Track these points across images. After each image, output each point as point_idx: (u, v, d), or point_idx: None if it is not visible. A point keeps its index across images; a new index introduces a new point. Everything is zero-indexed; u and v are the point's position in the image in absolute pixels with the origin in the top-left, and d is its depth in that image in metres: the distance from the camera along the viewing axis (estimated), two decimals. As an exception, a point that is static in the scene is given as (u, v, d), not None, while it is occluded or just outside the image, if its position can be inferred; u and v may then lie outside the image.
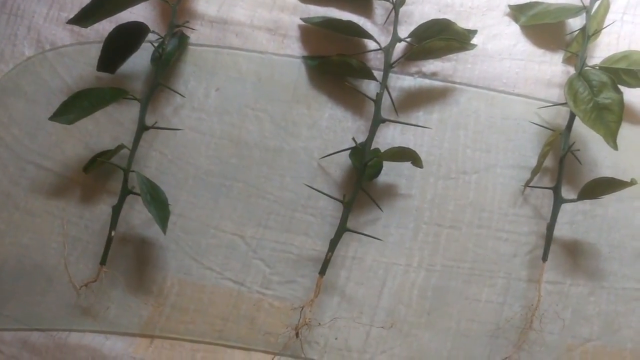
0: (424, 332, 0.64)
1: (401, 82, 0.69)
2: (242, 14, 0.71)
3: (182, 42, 0.69)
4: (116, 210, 0.63)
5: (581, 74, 0.64)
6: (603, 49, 0.70)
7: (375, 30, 0.70)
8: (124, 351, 0.63)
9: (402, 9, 0.70)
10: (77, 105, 0.63)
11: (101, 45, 0.66)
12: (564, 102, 0.64)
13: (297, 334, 0.62)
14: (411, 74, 0.70)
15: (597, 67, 0.66)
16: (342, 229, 0.63)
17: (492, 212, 0.66)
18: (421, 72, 0.70)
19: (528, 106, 0.69)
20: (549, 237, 0.64)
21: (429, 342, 0.64)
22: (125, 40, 0.66)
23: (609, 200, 0.65)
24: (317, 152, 0.68)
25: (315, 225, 0.66)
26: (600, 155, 0.67)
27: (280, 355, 0.63)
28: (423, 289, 0.65)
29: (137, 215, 0.66)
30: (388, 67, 0.67)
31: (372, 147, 0.65)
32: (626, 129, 0.66)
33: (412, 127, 0.68)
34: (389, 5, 0.70)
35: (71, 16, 0.63)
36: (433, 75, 0.70)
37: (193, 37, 0.70)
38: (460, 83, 0.69)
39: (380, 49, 0.68)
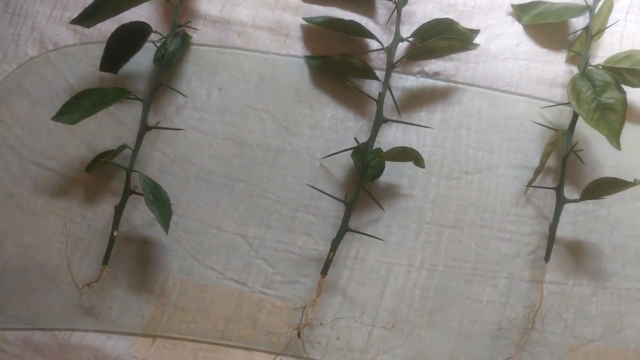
0: (426, 333, 0.64)
1: (403, 81, 0.69)
2: (244, 14, 0.71)
3: (185, 42, 0.69)
4: (118, 210, 0.64)
5: (584, 73, 0.64)
6: (606, 49, 0.70)
7: (377, 30, 0.70)
8: (126, 351, 0.63)
9: (405, 9, 0.70)
10: (79, 105, 0.63)
11: (104, 45, 0.66)
12: (567, 101, 0.64)
13: (299, 334, 0.62)
14: (413, 74, 0.70)
15: (601, 67, 0.66)
16: (344, 229, 0.63)
17: (494, 212, 0.66)
18: (423, 72, 0.70)
19: (531, 106, 0.69)
20: (551, 238, 0.64)
21: (431, 343, 0.64)
22: (127, 40, 0.66)
23: (612, 201, 0.65)
24: (319, 152, 0.68)
25: (317, 225, 0.66)
26: (603, 155, 0.67)
27: (282, 355, 0.63)
28: (425, 289, 0.65)
29: (140, 215, 0.66)
30: (390, 66, 0.67)
31: (374, 147, 0.65)
32: (629, 129, 0.66)
33: (415, 127, 0.68)
34: (392, 5, 0.70)
35: (74, 16, 0.63)
36: (435, 75, 0.70)
37: (195, 37, 0.70)
38: (462, 83, 0.69)
39: (382, 49, 0.68)
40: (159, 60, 0.68)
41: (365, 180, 0.64)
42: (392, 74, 0.68)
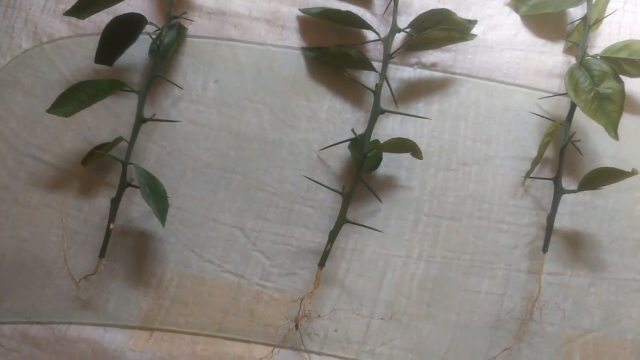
0: (424, 324, 0.64)
1: (400, 73, 0.69)
2: (240, 5, 0.70)
3: (180, 33, 0.69)
4: (115, 202, 0.63)
5: (582, 63, 0.64)
6: (604, 39, 0.70)
7: (374, 20, 0.70)
8: (124, 344, 0.63)
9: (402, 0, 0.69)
10: (74, 98, 0.63)
11: (99, 37, 0.65)
12: (565, 92, 0.63)
13: (296, 326, 0.61)
14: (411, 65, 0.69)
15: (598, 57, 0.66)
16: (341, 221, 0.63)
17: (492, 203, 0.66)
18: (421, 63, 0.69)
19: (528, 97, 0.68)
20: (549, 228, 0.64)
21: (429, 334, 0.64)
22: (122, 32, 0.66)
23: (610, 191, 0.65)
24: (317, 144, 0.67)
25: (315, 217, 0.66)
26: (601, 146, 0.67)
27: (280, 347, 0.63)
28: (423, 280, 0.65)
29: (136, 207, 0.66)
30: (387, 57, 0.67)
31: (372, 139, 0.65)
32: (627, 119, 0.66)
33: (412, 118, 0.67)
34: (388, -4, 0.69)
35: (68, 8, 0.62)
36: (433, 66, 0.69)
37: (191, 28, 0.70)
38: (460, 74, 0.69)
39: (379, 40, 0.68)
40: (154, 52, 0.67)
41: (362, 172, 0.64)
42: (389, 65, 0.68)
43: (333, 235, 0.63)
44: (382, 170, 0.67)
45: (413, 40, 0.67)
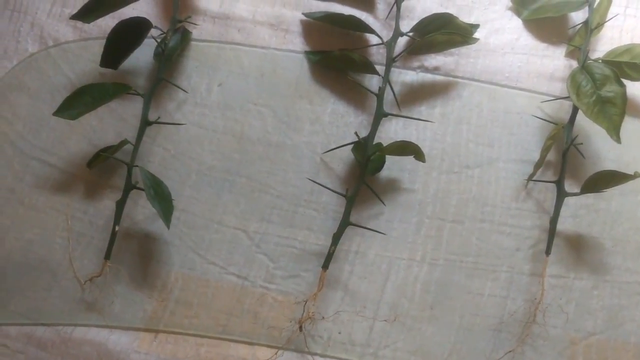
0: (427, 326, 0.64)
1: (403, 76, 0.69)
2: (244, 10, 0.71)
3: (185, 37, 0.69)
4: (120, 205, 0.64)
5: (584, 67, 0.64)
6: (606, 43, 0.70)
7: (377, 24, 0.70)
8: (129, 346, 0.63)
9: (404, 4, 0.70)
10: (80, 101, 0.63)
11: (104, 41, 0.66)
12: (567, 95, 0.64)
13: (300, 328, 0.62)
14: (413, 69, 0.70)
15: (600, 61, 0.66)
16: (345, 223, 0.63)
17: (495, 206, 0.66)
18: (423, 67, 0.70)
19: (531, 100, 0.69)
20: (552, 231, 0.64)
21: (432, 336, 0.64)
22: (127, 36, 0.66)
23: (612, 194, 0.65)
24: (320, 147, 0.68)
25: (318, 220, 0.66)
26: (603, 149, 0.67)
27: (284, 349, 0.63)
28: (426, 283, 0.65)
29: (141, 210, 0.66)
30: (390, 61, 0.67)
31: (375, 142, 0.66)
32: (629, 122, 0.66)
33: (415, 121, 0.68)
34: (391, 0, 0.70)
35: (74, 12, 0.63)
36: (435, 70, 0.70)
37: (195, 32, 0.70)
38: (462, 77, 0.69)
39: (382, 44, 0.68)
40: (159, 55, 0.68)
41: (366, 175, 0.64)
42: (392, 68, 0.68)
43: (336, 238, 0.63)
44: (385, 173, 0.67)
45: (416, 44, 0.67)
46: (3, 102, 0.69)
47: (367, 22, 0.68)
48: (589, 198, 0.66)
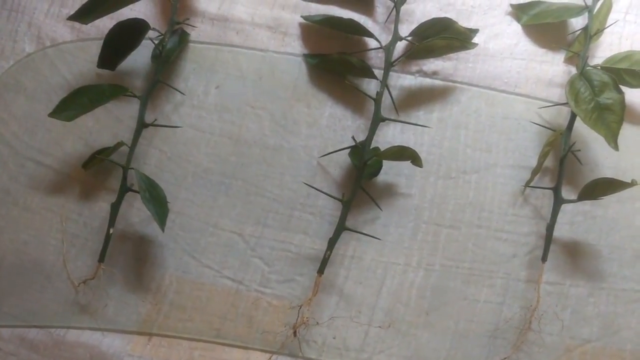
0: (423, 332, 0.64)
1: (402, 80, 0.69)
2: (242, 12, 0.71)
3: (183, 39, 0.69)
4: (115, 207, 0.63)
5: (583, 73, 0.64)
6: (605, 49, 0.70)
7: (376, 28, 0.70)
8: (122, 349, 0.63)
9: (403, 8, 0.69)
10: (76, 102, 0.63)
11: (101, 42, 0.66)
12: (565, 102, 0.64)
13: (295, 333, 0.61)
14: (412, 73, 0.69)
15: (599, 67, 0.66)
16: (341, 228, 0.63)
17: (491, 212, 0.66)
18: (422, 71, 0.69)
19: (529, 106, 0.68)
20: (548, 238, 0.64)
21: (428, 342, 0.64)
22: (125, 37, 0.66)
23: (609, 201, 0.65)
24: (317, 151, 0.67)
25: (314, 224, 0.66)
26: (601, 156, 0.67)
27: (278, 354, 0.63)
28: (422, 288, 0.65)
29: (136, 212, 0.66)
30: (389, 65, 0.67)
31: (372, 146, 0.65)
32: (627, 130, 0.66)
33: (412, 126, 0.68)
34: (390, 4, 0.69)
35: (72, 13, 0.62)
36: (434, 74, 0.69)
37: (193, 34, 0.70)
38: (461, 82, 0.69)
39: (381, 48, 0.68)
40: (156, 57, 0.68)
41: (362, 179, 0.64)
42: (391, 73, 0.68)
43: (332, 242, 0.63)
44: (382, 177, 0.67)
45: (414, 49, 0.67)
46: (-1, 102, 0.68)
47: (366, 25, 0.68)
48: (586, 205, 0.66)
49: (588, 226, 0.66)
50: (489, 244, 0.66)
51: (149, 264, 0.65)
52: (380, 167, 0.66)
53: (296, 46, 0.70)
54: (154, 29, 0.67)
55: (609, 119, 0.61)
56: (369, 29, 0.68)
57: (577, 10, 0.68)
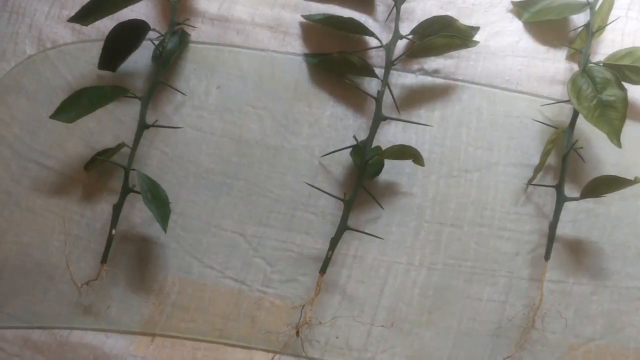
0: (425, 331, 0.64)
1: (403, 79, 0.69)
2: (243, 12, 0.71)
3: (183, 40, 0.69)
4: (117, 208, 0.64)
5: (585, 70, 0.63)
6: (607, 46, 0.69)
7: (376, 27, 0.70)
8: (125, 349, 0.63)
9: (404, 6, 0.69)
10: (77, 104, 0.63)
11: (102, 43, 0.66)
12: (568, 99, 0.63)
13: (297, 333, 0.61)
14: (413, 72, 0.69)
15: (601, 64, 0.65)
16: (342, 228, 0.63)
17: (494, 210, 0.66)
18: (423, 70, 0.69)
19: (531, 103, 0.68)
20: (551, 236, 0.64)
21: (430, 341, 0.64)
22: (126, 38, 0.66)
23: (612, 199, 0.65)
24: (318, 150, 0.67)
25: (316, 224, 0.66)
26: (604, 153, 0.67)
27: (281, 354, 0.63)
28: (424, 287, 0.65)
29: (138, 213, 0.66)
30: (389, 64, 0.67)
31: (374, 145, 0.65)
32: (630, 127, 0.65)
33: (414, 125, 0.67)
34: (391, 2, 0.69)
35: (72, 14, 0.62)
36: (435, 73, 0.69)
37: (194, 34, 0.70)
38: (462, 80, 0.69)
39: (381, 46, 0.68)
40: (157, 58, 0.68)
41: (364, 179, 0.64)
42: (392, 71, 0.68)
43: (334, 242, 0.63)
44: (384, 177, 0.67)
45: (415, 47, 0.67)
46: (1, 104, 0.68)
47: (366, 24, 0.68)
48: (589, 203, 0.65)
49: (591, 224, 0.66)
50: (491, 243, 0.65)
51: (152, 264, 0.65)
52: (381, 166, 0.66)
53: (297, 46, 0.70)
54: (154, 30, 0.67)
55: (612, 116, 0.60)
56: (370, 28, 0.67)
57: (579, 7, 0.68)
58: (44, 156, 0.67)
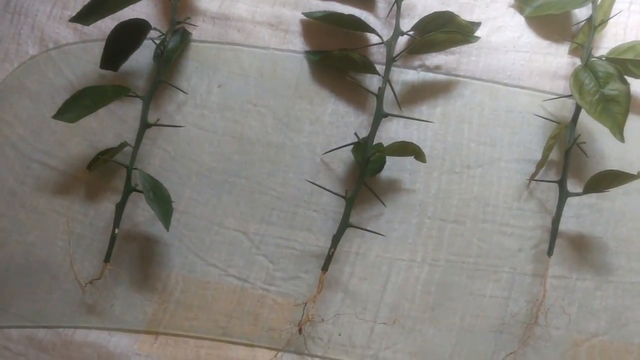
0: (428, 328, 0.64)
1: (404, 75, 0.69)
2: (243, 10, 0.71)
3: (184, 38, 0.69)
4: (120, 207, 0.64)
5: (587, 65, 0.63)
6: (610, 40, 0.69)
7: (377, 23, 0.70)
8: (129, 348, 0.63)
9: (405, 2, 0.69)
10: (79, 104, 0.63)
11: (104, 43, 0.66)
12: (570, 94, 0.63)
13: (300, 330, 0.62)
14: (414, 68, 0.69)
15: (604, 58, 0.65)
16: (344, 225, 0.63)
17: (496, 206, 0.66)
18: (424, 66, 0.69)
19: (533, 99, 0.68)
20: (554, 231, 0.63)
21: (433, 338, 0.63)
22: (127, 38, 0.66)
23: (616, 194, 0.64)
24: (320, 148, 0.67)
25: (318, 221, 0.66)
26: (607, 148, 0.66)
27: (284, 351, 0.63)
28: (427, 284, 0.64)
29: (141, 212, 0.66)
30: (390, 61, 0.66)
31: (375, 142, 0.65)
32: (633, 121, 0.65)
33: (415, 121, 0.67)
34: (391, -1, 0.69)
35: (74, 14, 0.63)
36: (436, 69, 0.69)
37: (195, 33, 0.70)
38: (464, 76, 0.69)
39: (382, 43, 0.68)
40: (158, 57, 0.68)
41: (366, 176, 0.64)
42: (393, 68, 0.67)
43: (336, 239, 0.63)
44: (386, 173, 0.66)
45: (416, 43, 0.67)
46: (4, 105, 0.69)
47: (367, 21, 0.68)
48: (592, 198, 0.65)
49: (594, 219, 0.65)
50: (494, 239, 0.65)
51: (155, 263, 0.65)
52: (383, 163, 0.66)
53: (298, 43, 0.70)
54: (155, 29, 0.67)
55: (615, 110, 0.60)
56: (370, 25, 0.67)
57: (581, 1, 0.67)
58: (47, 156, 0.68)
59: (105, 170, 0.67)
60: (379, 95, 0.65)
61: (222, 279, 0.65)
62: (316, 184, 0.66)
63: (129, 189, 0.64)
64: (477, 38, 0.67)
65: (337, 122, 0.68)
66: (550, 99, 0.67)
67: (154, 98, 0.67)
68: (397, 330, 0.64)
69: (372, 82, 0.69)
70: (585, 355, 0.63)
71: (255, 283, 0.65)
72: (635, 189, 0.65)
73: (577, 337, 0.63)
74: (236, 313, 0.64)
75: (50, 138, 0.68)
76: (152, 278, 0.65)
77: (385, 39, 0.67)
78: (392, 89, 0.67)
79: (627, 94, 0.60)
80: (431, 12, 0.67)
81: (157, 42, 0.68)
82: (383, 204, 0.66)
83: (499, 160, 0.67)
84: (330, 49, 0.68)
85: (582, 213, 0.65)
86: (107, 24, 0.69)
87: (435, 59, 0.69)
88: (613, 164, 0.66)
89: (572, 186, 0.64)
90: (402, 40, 0.69)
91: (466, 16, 0.68)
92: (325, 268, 0.62)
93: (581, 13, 0.70)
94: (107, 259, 0.63)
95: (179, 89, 0.68)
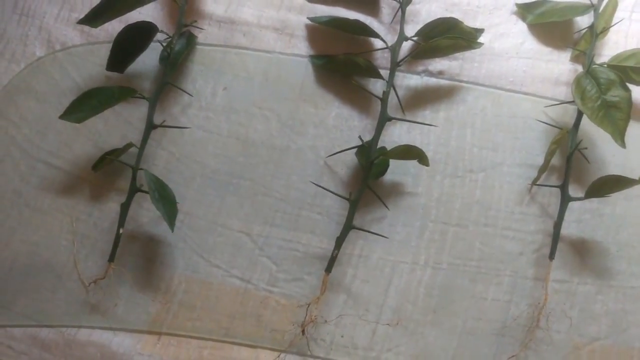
0: (430, 330, 0.64)
1: (408, 80, 0.70)
2: (249, 14, 0.71)
3: (190, 41, 0.70)
4: (124, 208, 0.64)
5: (589, 72, 0.64)
6: (611, 47, 0.70)
7: (382, 29, 0.71)
8: (132, 347, 0.63)
9: (409, 8, 0.70)
10: (86, 104, 0.64)
11: (110, 45, 0.67)
12: (572, 100, 0.64)
13: (303, 332, 0.62)
14: (418, 73, 0.70)
15: (605, 65, 0.66)
16: (348, 227, 0.63)
17: (498, 210, 0.66)
18: (428, 71, 0.70)
19: (535, 104, 0.69)
20: (556, 236, 0.64)
21: (435, 340, 0.64)
22: (134, 40, 0.67)
23: (617, 199, 0.65)
24: (324, 151, 0.68)
25: (322, 223, 0.66)
26: (608, 154, 0.67)
27: (287, 352, 0.63)
28: (429, 287, 0.65)
29: (145, 213, 0.66)
30: (395, 65, 0.67)
31: (379, 146, 0.66)
32: (634, 127, 0.65)
33: (419, 125, 0.68)
34: (396, 4, 0.70)
35: (81, 17, 0.63)
36: (440, 74, 0.70)
37: (201, 36, 0.71)
38: (467, 82, 0.69)
39: (387, 48, 0.68)
40: (164, 59, 0.68)
41: (369, 179, 0.65)
42: (397, 72, 0.68)
43: (340, 241, 0.63)
44: (389, 177, 0.67)
45: (420, 49, 0.67)
46: (11, 105, 0.69)
47: (371, 26, 0.68)
48: (594, 203, 0.66)
49: (596, 224, 0.66)
50: (496, 242, 0.66)
51: (159, 263, 0.65)
52: (386, 166, 0.66)
53: (302, 47, 0.70)
54: (162, 32, 0.68)
55: (616, 116, 0.61)
56: (375, 30, 0.68)
57: (583, 9, 0.68)
58: (53, 156, 0.68)
59: (110, 171, 0.68)
60: (383, 99, 0.66)
61: (226, 280, 0.65)
62: (320, 186, 0.66)
63: (134, 189, 0.64)
64: (481, 44, 0.68)
65: (341, 126, 0.69)
66: (552, 105, 0.68)
67: (159, 100, 0.68)
68: (400, 333, 0.64)
69: (376, 86, 0.69)
70: (586, 359, 0.63)
71: (258, 284, 0.65)
72: (636, 194, 0.66)
73: (578, 341, 0.63)
74: (239, 314, 0.64)
75: (56, 139, 0.68)
76: (155, 278, 0.65)
77: (389, 44, 0.68)
78: (396, 93, 0.68)
79: (629, 101, 0.61)
80: (435, 18, 0.68)
81: (164, 44, 0.69)
82: (386, 206, 0.66)
83: (501, 164, 0.67)
84: (335, 54, 0.69)
85: (583, 218, 0.66)
86: (113, 26, 0.70)
87: (438, 64, 0.70)
88: (614, 170, 0.66)
89: (573, 191, 0.65)
90: (406, 46, 0.69)
91: (470, 22, 0.69)
92: (328, 270, 0.63)
93: (583, 21, 0.71)
94: (111, 258, 0.64)
95: (184, 91, 0.69)
